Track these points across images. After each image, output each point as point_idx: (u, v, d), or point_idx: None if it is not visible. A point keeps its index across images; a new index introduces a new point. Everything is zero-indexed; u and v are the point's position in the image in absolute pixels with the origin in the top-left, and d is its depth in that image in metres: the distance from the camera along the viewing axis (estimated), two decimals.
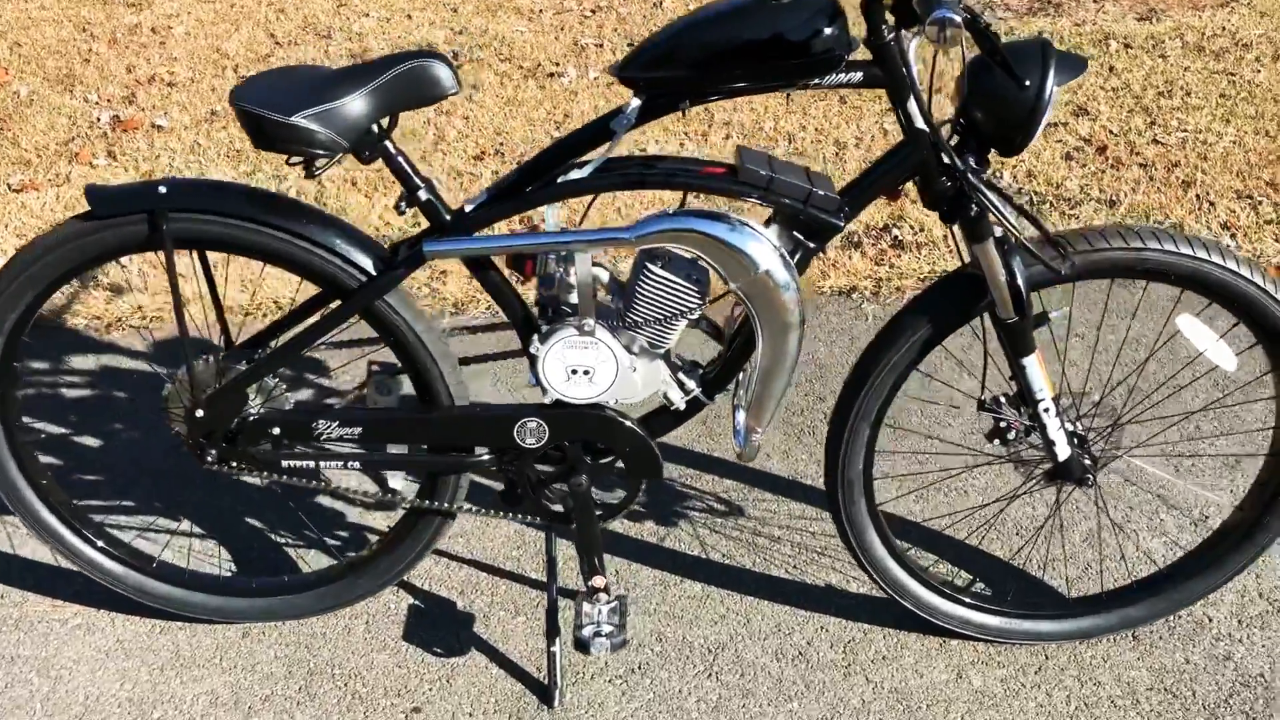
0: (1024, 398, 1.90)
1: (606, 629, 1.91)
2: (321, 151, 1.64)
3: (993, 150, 1.71)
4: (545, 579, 2.14)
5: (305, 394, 2.73)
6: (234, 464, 1.92)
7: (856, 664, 2.15)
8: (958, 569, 2.33)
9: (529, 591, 2.29)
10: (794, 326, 1.78)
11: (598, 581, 1.98)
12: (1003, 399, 1.98)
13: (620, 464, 1.95)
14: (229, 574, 2.26)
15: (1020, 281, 1.76)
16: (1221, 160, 3.69)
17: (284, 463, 1.92)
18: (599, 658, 2.09)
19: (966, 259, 1.84)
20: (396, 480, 2.01)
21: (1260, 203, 3.49)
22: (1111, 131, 3.92)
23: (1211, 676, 2.10)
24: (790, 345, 1.80)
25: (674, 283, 1.77)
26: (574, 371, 1.83)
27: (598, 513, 2.00)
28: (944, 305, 1.85)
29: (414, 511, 2.03)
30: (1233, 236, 3.37)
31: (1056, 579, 2.30)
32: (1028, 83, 1.59)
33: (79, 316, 3.15)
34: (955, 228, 1.76)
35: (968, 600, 2.13)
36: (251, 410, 1.89)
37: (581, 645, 1.90)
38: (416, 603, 2.27)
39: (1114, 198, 3.53)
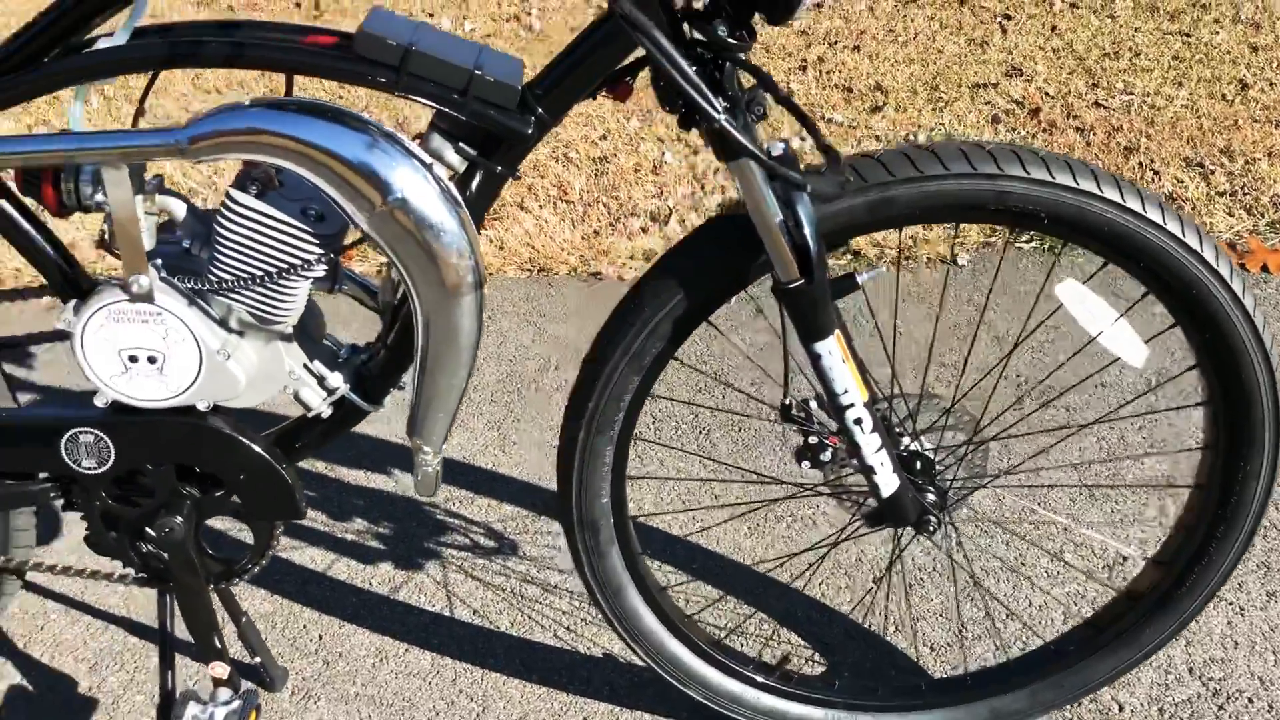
0: (825, 401, 1.27)
1: None
2: None
3: (757, 16, 1.09)
4: (160, 662, 1.47)
5: None
6: None
7: None
8: (767, 636, 1.70)
9: (183, 667, 1.65)
10: (462, 291, 1.14)
11: (217, 670, 1.35)
12: (814, 404, 1.36)
13: (235, 499, 1.31)
14: None
15: (806, 225, 1.13)
16: (1170, 125, 3.10)
17: None
18: None
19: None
20: None
21: (1213, 171, 2.89)
22: (1048, 94, 3.34)
23: None
24: (460, 321, 1.16)
25: (274, 220, 1.13)
26: (133, 358, 1.19)
27: (213, 571, 1.35)
28: (704, 264, 1.23)
29: None
30: (1179, 209, 2.77)
31: (906, 644, 1.68)
32: None
33: None
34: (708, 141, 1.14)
35: (781, 686, 1.51)
36: None
37: None
38: (22, 682, 1.63)
39: None
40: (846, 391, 1.22)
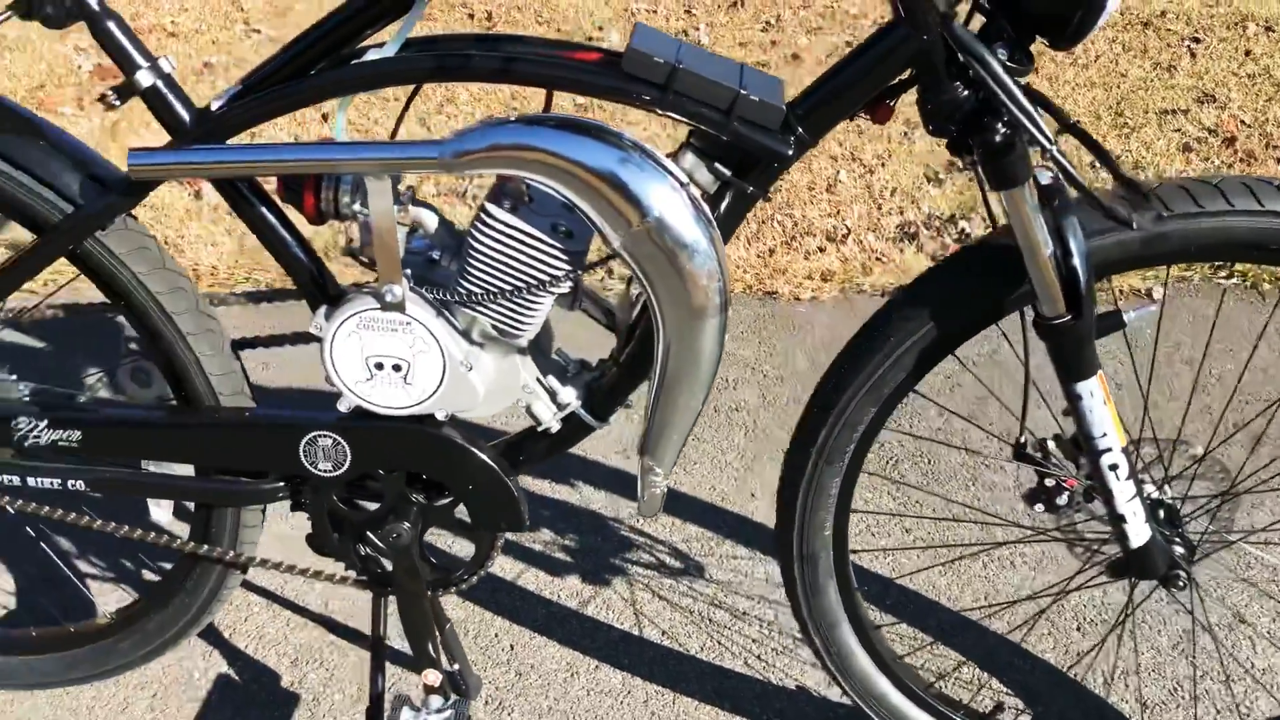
0: (1082, 444, 1.21)
1: None
2: None
3: (1038, 39, 1.04)
4: (372, 664, 1.49)
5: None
6: None
7: None
8: (981, 682, 1.64)
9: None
10: (709, 313, 1.12)
11: (430, 678, 1.35)
12: (1051, 443, 1.30)
13: (462, 509, 1.32)
14: None
15: (1077, 257, 1.08)
16: None
17: None
18: None
19: (1000, 222, 1.18)
20: (159, 510, 1.41)
21: None
22: (1243, 122, 3.17)
23: None
24: (704, 343, 1.14)
25: (527, 236, 1.13)
26: (378, 366, 1.20)
27: (429, 579, 1.36)
28: (958, 295, 1.18)
29: (190, 556, 1.42)
30: None
31: (1129, 702, 1.60)
32: None
33: None
34: (977, 167, 1.10)
35: None
36: None
37: None
38: (228, 672, 1.67)
39: None
40: (1105, 435, 1.16)
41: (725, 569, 1.86)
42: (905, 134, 3.08)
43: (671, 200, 1.07)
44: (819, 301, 2.56)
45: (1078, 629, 1.73)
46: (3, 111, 1.22)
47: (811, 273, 2.66)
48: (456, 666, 1.54)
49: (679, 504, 1.99)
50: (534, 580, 1.83)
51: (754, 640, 1.73)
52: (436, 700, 1.35)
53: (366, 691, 1.63)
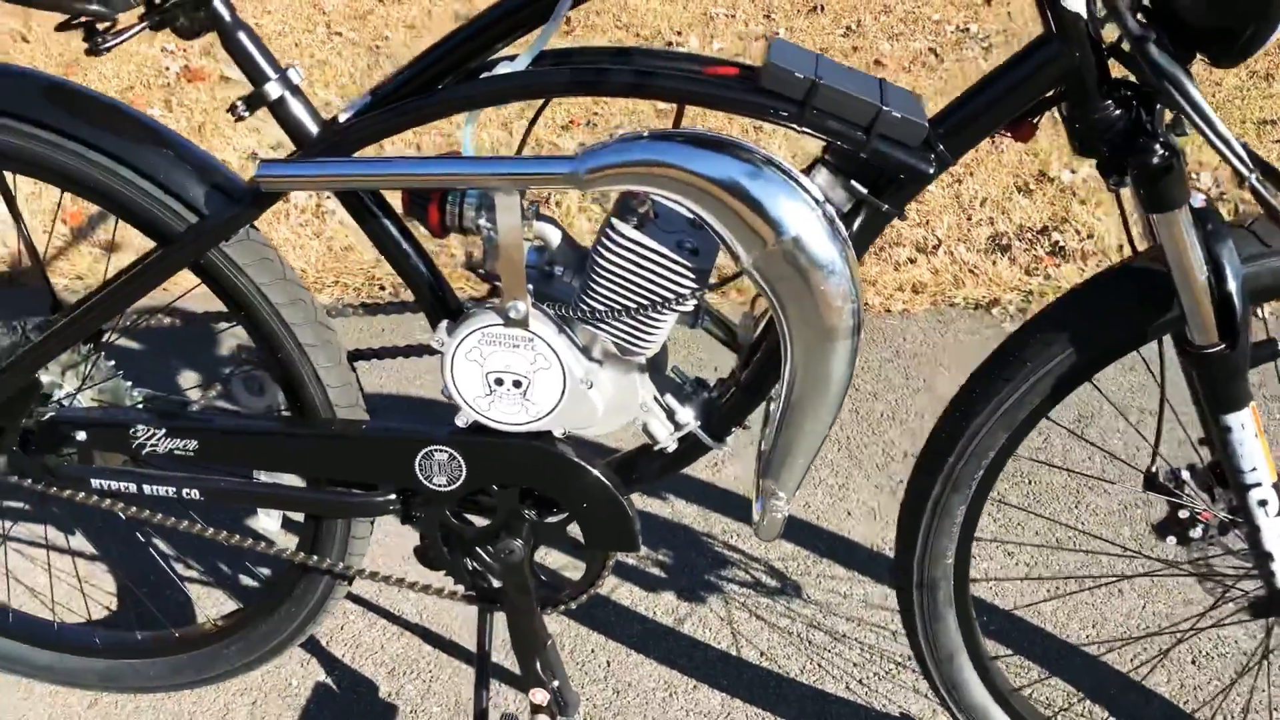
0: (1223, 476, 1.16)
1: None
2: (93, 7, 1.05)
3: (1198, 55, 1.00)
4: (476, 680, 1.48)
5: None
6: (33, 478, 1.35)
7: None
8: (1094, 716, 1.58)
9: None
10: (841, 334, 1.09)
11: (537, 697, 1.34)
12: (1186, 474, 1.24)
13: (575, 527, 1.30)
14: (64, 622, 1.68)
15: (1233, 283, 1.03)
16: None
17: (95, 482, 1.33)
18: None
19: (1141, 245, 1.13)
20: (268, 519, 1.41)
21: None
22: None
23: None
24: (834, 366, 1.11)
25: (653, 253, 1.11)
26: (498, 381, 1.19)
27: (538, 595, 1.34)
28: (1101, 319, 1.13)
29: (298, 566, 1.42)
30: None
31: None
32: None
33: None
34: (1122, 187, 1.05)
35: None
36: (49, 405, 1.32)
37: None
38: (326, 680, 1.67)
39: None
40: (1255, 470, 1.11)
41: (822, 589, 1.82)
42: (993, 141, 3.02)
43: (808, 219, 1.04)
44: (910, 314, 2.51)
45: (1193, 662, 1.67)
46: (127, 119, 1.22)
47: (902, 284, 2.61)
48: (556, 683, 1.52)
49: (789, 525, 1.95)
50: (628, 596, 1.81)
51: (854, 664, 1.69)
52: (543, 719, 1.33)
53: (465, 705, 1.63)
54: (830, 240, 1.05)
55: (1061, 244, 2.67)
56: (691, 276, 1.12)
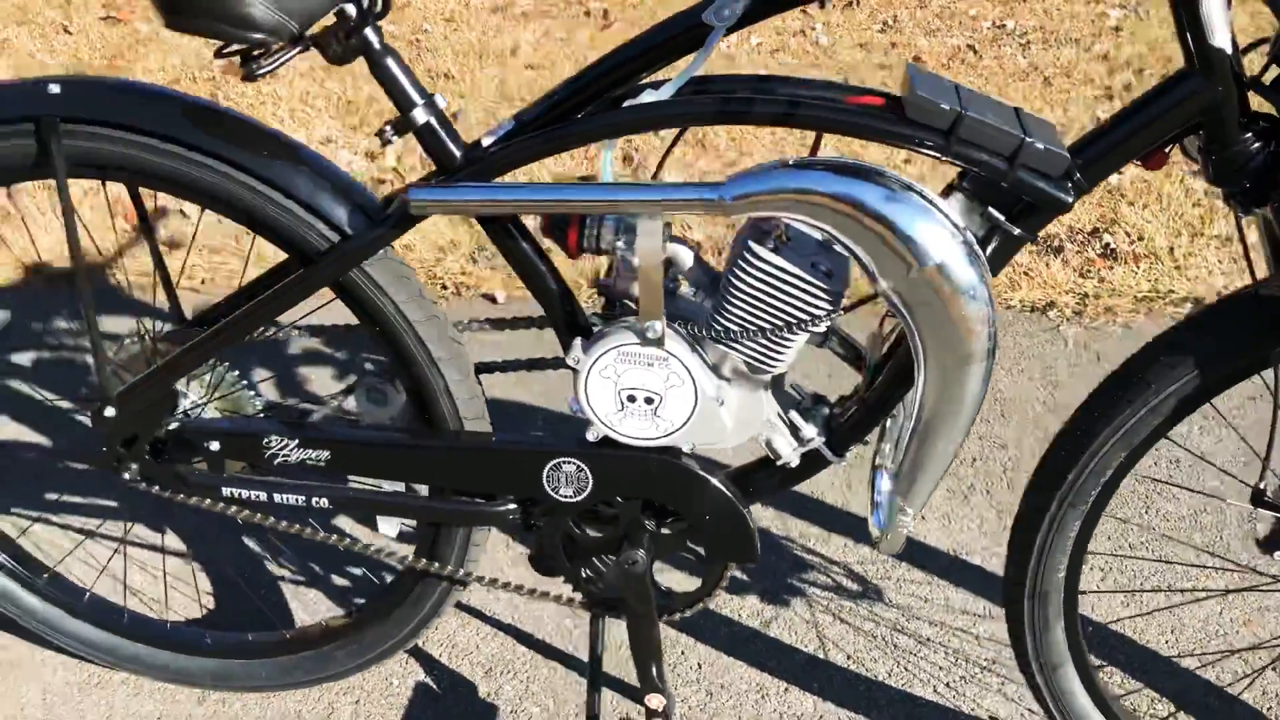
0: None
1: None
2: (258, 36, 1.08)
3: None
4: (589, 685, 1.51)
5: (287, 399, 2.19)
6: (162, 485, 1.38)
7: None
8: None
9: (574, 682, 1.70)
10: (977, 357, 1.12)
11: (653, 702, 1.37)
12: None
13: (696, 538, 1.33)
14: (177, 622, 1.73)
15: None
16: None
17: (225, 490, 1.37)
18: None
19: (1261, 274, 1.16)
20: (387, 526, 1.44)
21: None
22: None
23: None
24: (969, 386, 1.14)
25: (789, 276, 1.14)
26: (630, 398, 1.22)
27: (659, 604, 1.38)
28: (1223, 344, 1.16)
29: (411, 571, 1.45)
30: None
31: None
32: None
33: None
34: (1249, 216, 1.08)
35: None
36: (183, 415, 1.35)
37: None
38: (426, 680, 1.71)
39: None
40: None
41: (904, 593, 1.85)
42: None
43: (950, 246, 1.07)
44: None
45: (1273, 669, 1.70)
46: (268, 137, 1.25)
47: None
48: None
49: (848, 524, 1.99)
50: (714, 599, 1.84)
51: (941, 668, 1.73)
52: None
53: (561, 706, 1.66)
54: (970, 266, 1.08)
55: (1112, 246, 2.69)
56: (827, 298, 1.15)
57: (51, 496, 1.99)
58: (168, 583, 1.82)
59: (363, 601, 1.70)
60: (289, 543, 1.88)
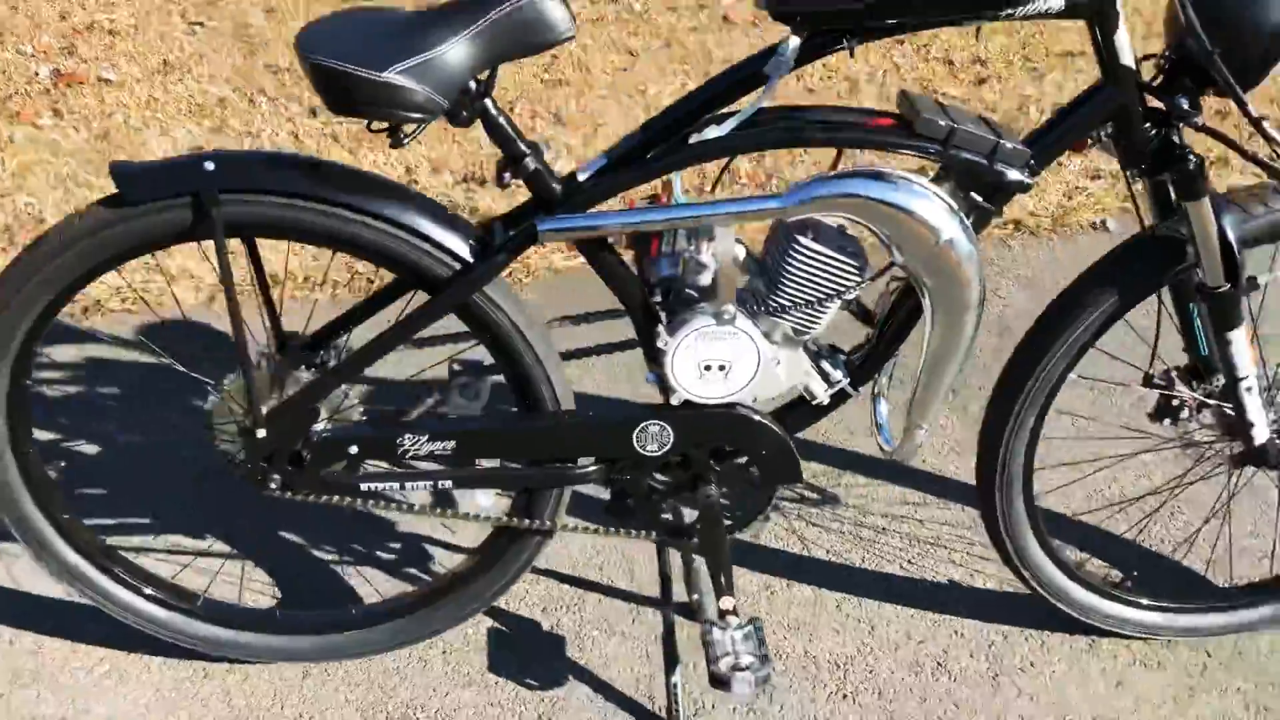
0: (1198, 371, 1.65)
1: (746, 660, 1.64)
2: (417, 114, 1.33)
3: (1210, 91, 1.45)
4: (659, 598, 1.85)
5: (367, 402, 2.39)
6: (302, 491, 1.61)
7: (1004, 674, 1.92)
8: (1108, 565, 2.09)
9: (618, 605, 2.02)
10: (974, 306, 1.50)
11: (726, 603, 1.72)
12: (1174, 373, 1.73)
13: (752, 468, 1.68)
14: (285, 610, 1.95)
15: (1235, 241, 1.50)
16: None
17: (362, 486, 1.61)
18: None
19: (1149, 220, 1.59)
20: (482, 496, 1.72)
21: None
22: None
23: None
24: (967, 329, 1.53)
25: (830, 258, 1.49)
26: (708, 367, 1.54)
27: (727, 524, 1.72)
28: (1132, 274, 1.59)
29: (504, 530, 1.74)
30: None
31: (1220, 576, 2.07)
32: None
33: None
34: (1139, 183, 1.51)
35: (1127, 598, 1.90)
36: (324, 426, 1.58)
37: (720, 682, 1.63)
38: (497, 625, 1.99)
39: None
40: (1245, 367, 1.60)
41: (855, 495, 2.25)
42: None
43: (954, 226, 1.44)
44: None
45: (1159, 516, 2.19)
46: (377, 182, 1.49)
47: None
48: (695, 596, 1.91)
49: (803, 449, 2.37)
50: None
51: (899, 549, 2.14)
52: (733, 619, 1.71)
53: (615, 625, 1.98)
54: (967, 239, 1.46)
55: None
56: (856, 271, 1.51)
57: (149, 520, 2.15)
58: (271, 579, 2.02)
59: (455, 564, 1.94)
60: (372, 525, 2.11)
